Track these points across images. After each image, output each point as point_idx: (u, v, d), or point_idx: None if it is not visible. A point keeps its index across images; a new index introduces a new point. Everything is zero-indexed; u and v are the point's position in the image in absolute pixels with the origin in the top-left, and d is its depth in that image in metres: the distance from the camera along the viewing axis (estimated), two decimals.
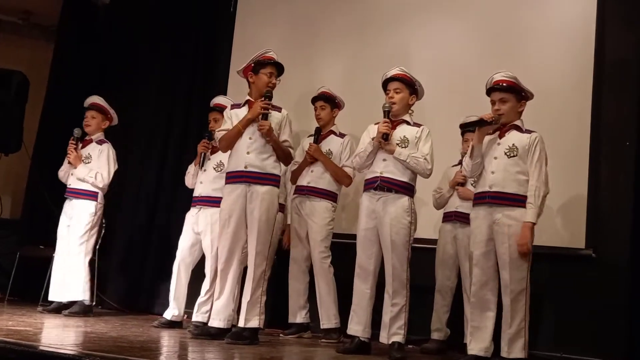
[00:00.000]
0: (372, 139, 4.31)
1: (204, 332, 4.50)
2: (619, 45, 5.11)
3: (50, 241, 5.95)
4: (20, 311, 5.24)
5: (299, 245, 5.20)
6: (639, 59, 5.00)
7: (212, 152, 5.30)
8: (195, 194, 5.29)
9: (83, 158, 5.60)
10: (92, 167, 5.58)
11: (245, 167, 4.42)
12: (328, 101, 5.30)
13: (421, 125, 4.40)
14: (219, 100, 5.44)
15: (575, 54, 5.19)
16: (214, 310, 4.51)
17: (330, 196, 5.15)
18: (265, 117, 4.41)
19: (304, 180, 5.17)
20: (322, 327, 5.03)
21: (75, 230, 5.53)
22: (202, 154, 5.27)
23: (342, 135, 5.30)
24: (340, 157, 5.22)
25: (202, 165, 5.26)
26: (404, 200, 4.25)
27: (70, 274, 5.48)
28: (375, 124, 4.43)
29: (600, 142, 5.03)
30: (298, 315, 5.15)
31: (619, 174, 4.94)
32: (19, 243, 6.57)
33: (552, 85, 5.05)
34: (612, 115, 5.03)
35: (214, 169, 5.23)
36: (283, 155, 4.51)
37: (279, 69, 4.57)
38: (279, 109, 4.55)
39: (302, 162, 5.23)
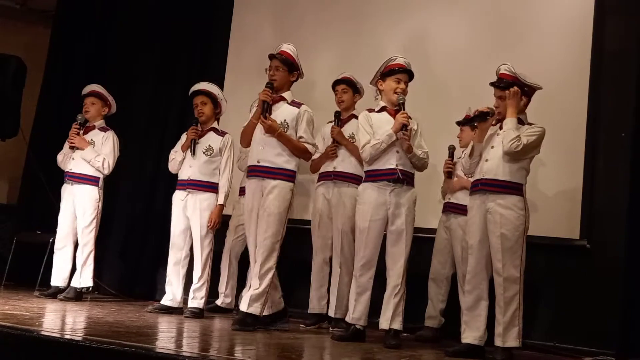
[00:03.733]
0: (391, 128, 4.26)
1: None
2: (616, 37, 5.11)
3: (47, 226, 5.97)
4: (17, 296, 5.25)
5: (326, 234, 5.11)
6: (636, 50, 5.01)
7: (200, 137, 5.29)
8: (184, 177, 5.23)
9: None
10: (97, 152, 5.61)
11: (258, 162, 4.48)
12: (350, 85, 5.23)
13: (411, 117, 4.41)
14: (202, 85, 5.36)
15: (572, 46, 5.19)
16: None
17: (359, 180, 4.92)
18: (267, 108, 4.45)
19: (330, 165, 5.11)
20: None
21: (83, 218, 5.57)
22: (193, 140, 5.25)
23: None
24: None
25: (194, 153, 5.24)
26: (413, 191, 4.35)
27: (79, 262, 5.54)
28: (369, 110, 4.47)
29: (597, 133, 5.04)
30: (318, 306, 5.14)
31: (615, 165, 4.95)
32: (15, 228, 6.59)
33: (549, 76, 5.01)
34: (609, 106, 5.03)
35: (204, 153, 5.21)
36: (297, 151, 4.52)
37: (285, 64, 4.59)
38: (297, 105, 4.59)
39: (323, 153, 5.14)
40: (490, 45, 5.44)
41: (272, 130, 4.45)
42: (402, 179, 4.28)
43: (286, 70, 4.60)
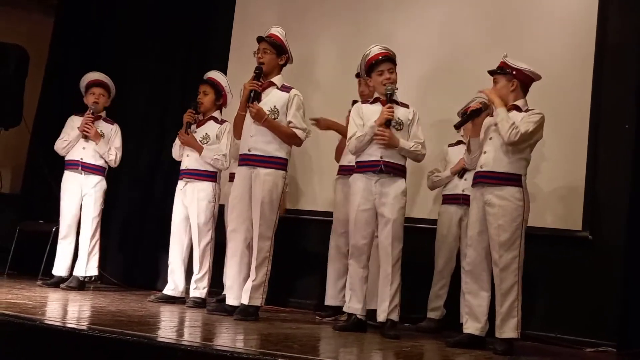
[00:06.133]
0: (374, 121, 4.26)
1: (220, 309, 4.57)
2: (619, 29, 5.10)
3: (50, 215, 5.98)
4: (20, 285, 5.27)
5: (344, 228, 4.97)
6: (639, 42, 4.99)
7: (198, 125, 5.30)
8: (182, 167, 5.27)
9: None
10: (109, 145, 5.63)
11: (249, 151, 4.47)
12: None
13: (408, 105, 4.39)
14: (212, 74, 5.42)
15: (576, 37, 5.17)
16: (227, 288, 4.61)
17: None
18: (256, 96, 4.42)
19: (347, 158, 5.00)
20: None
21: (94, 208, 5.58)
22: (187, 122, 5.25)
23: None
24: None
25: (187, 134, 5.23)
26: (401, 182, 4.31)
27: (85, 251, 5.54)
28: (364, 102, 4.46)
29: (599, 124, 5.03)
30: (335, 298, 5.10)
31: (617, 156, 4.95)
32: (18, 217, 6.59)
33: (552, 68, 5.00)
34: (612, 98, 5.02)
35: (201, 141, 5.22)
36: (286, 137, 4.49)
37: (273, 46, 4.55)
38: (287, 90, 4.55)
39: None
40: (493, 37, 5.41)
41: (259, 117, 4.42)
42: (387, 170, 4.26)
43: (274, 53, 4.56)
